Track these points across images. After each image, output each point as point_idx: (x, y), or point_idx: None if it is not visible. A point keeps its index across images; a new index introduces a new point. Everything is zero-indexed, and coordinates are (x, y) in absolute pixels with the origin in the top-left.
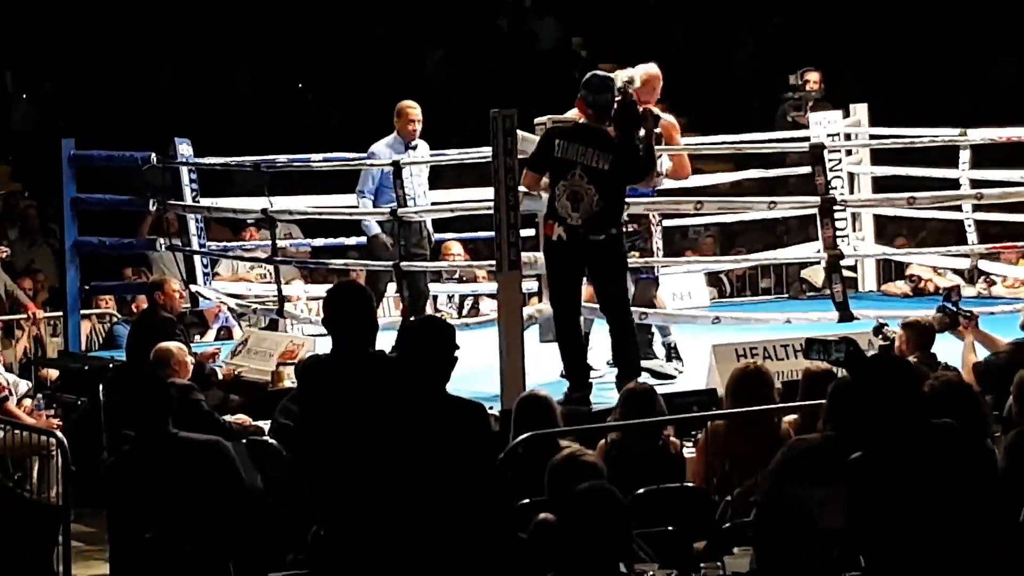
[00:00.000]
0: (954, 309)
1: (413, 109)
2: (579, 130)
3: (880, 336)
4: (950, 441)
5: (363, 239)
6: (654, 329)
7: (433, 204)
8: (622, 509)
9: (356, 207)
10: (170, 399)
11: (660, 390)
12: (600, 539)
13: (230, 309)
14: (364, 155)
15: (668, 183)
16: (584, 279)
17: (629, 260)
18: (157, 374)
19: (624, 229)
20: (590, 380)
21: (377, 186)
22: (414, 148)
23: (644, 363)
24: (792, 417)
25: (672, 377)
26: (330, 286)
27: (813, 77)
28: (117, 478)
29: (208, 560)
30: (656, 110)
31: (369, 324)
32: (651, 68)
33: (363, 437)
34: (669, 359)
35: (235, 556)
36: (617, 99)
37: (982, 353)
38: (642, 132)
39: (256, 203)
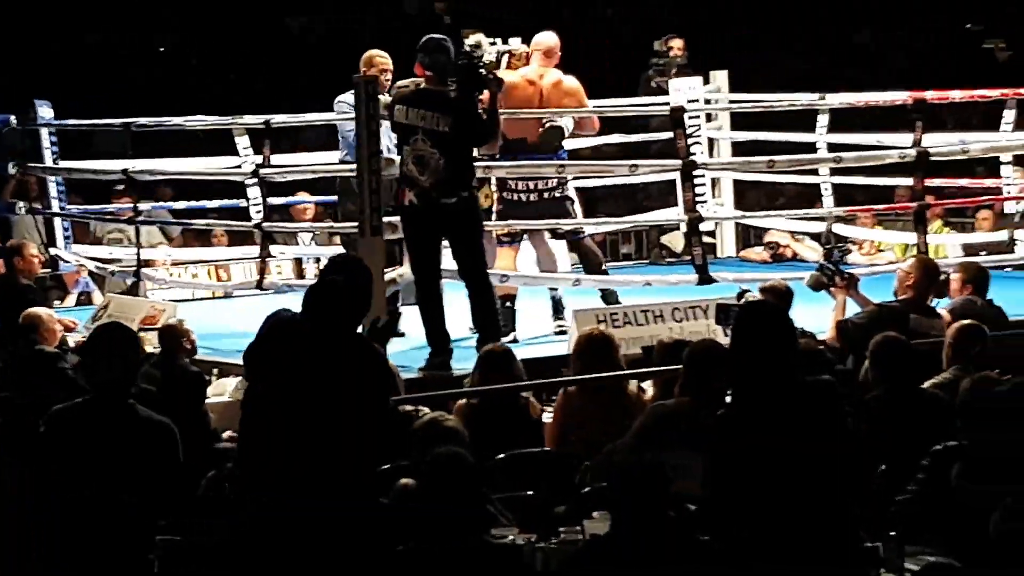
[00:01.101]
0: (833, 269)
1: (383, 59)
2: (420, 93)
3: (743, 302)
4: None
5: (227, 201)
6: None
7: (294, 167)
8: (474, 474)
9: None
10: (137, 369)
11: (524, 354)
12: (455, 504)
13: (90, 273)
14: (228, 117)
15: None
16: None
17: (486, 225)
18: (137, 341)
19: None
20: (451, 346)
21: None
22: None
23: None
24: (643, 383)
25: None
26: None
27: (677, 44)
28: (59, 427)
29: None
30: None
31: None
32: (545, 37)
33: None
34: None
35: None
36: (462, 62)
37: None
38: (486, 95)
39: (119, 165)
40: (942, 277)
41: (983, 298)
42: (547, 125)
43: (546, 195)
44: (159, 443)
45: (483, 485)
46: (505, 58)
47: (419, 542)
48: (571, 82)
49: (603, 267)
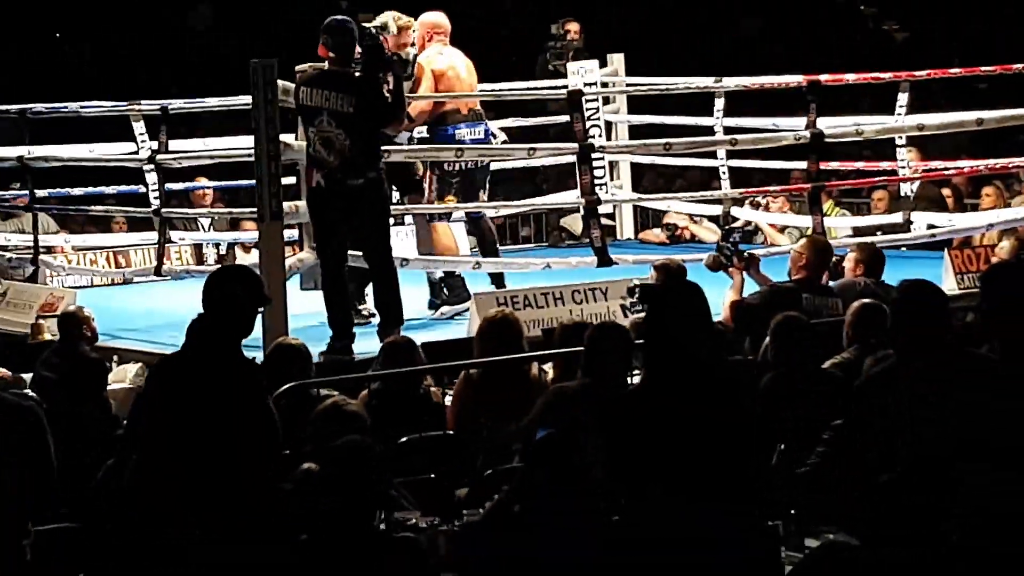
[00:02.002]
0: (732, 249)
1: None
2: (323, 75)
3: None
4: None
5: (125, 187)
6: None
7: (191, 152)
8: (376, 462)
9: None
10: None
11: (426, 338)
12: (355, 494)
13: None
14: (124, 103)
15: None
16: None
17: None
18: None
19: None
20: (353, 330)
21: None
22: None
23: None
24: (546, 365)
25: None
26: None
27: (573, 27)
28: None
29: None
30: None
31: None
32: (432, 16)
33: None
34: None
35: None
36: (367, 43)
37: None
38: (391, 77)
39: (14, 152)
40: (835, 258)
41: (877, 278)
42: None
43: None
44: (23, 428)
45: (386, 473)
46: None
47: (318, 532)
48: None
49: (497, 249)
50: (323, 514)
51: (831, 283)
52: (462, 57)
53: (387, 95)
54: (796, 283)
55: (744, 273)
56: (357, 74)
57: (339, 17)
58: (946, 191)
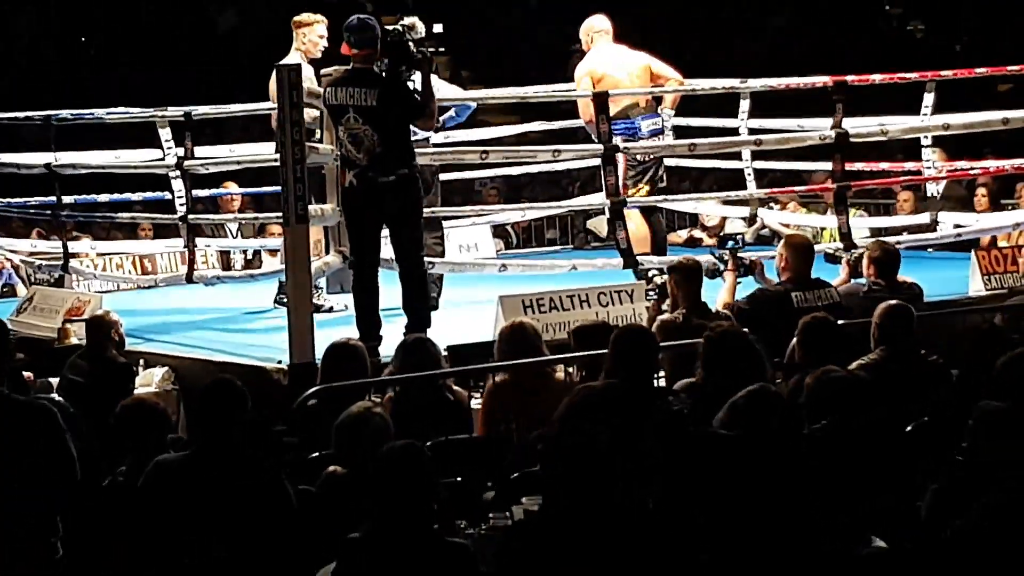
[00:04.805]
0: (729, 255)
1: None
2: (348, 73)
3: (652, 284)
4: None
5: (152, 194)
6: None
7: (217, 158)
8: (429, 466)
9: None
10: (9, 357)
11: (449, 341)
12: (410, 498)
13: (14, 266)
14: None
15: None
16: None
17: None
18: (4, 326)
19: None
20: (380, 333)
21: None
22: None
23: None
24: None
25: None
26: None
27: None
28: None
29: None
30: None
31: None
32: (591, 20)
33: None
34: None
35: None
36: (391, 39)
37: None
38: (417, 75)
39: (41, 159)
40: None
41: (890, 278)
42: None
43: None
44: (38, 428)
45: (436, 477)
46: None
47: (372, 534)
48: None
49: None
50: (378, 518)
51: (852, 280)
52: (626, 56)
53: (413, 91)
54: (785, 284)
55: (752, 277)
56: (381, 71)
57: (361, 16)
58: (981, 190)
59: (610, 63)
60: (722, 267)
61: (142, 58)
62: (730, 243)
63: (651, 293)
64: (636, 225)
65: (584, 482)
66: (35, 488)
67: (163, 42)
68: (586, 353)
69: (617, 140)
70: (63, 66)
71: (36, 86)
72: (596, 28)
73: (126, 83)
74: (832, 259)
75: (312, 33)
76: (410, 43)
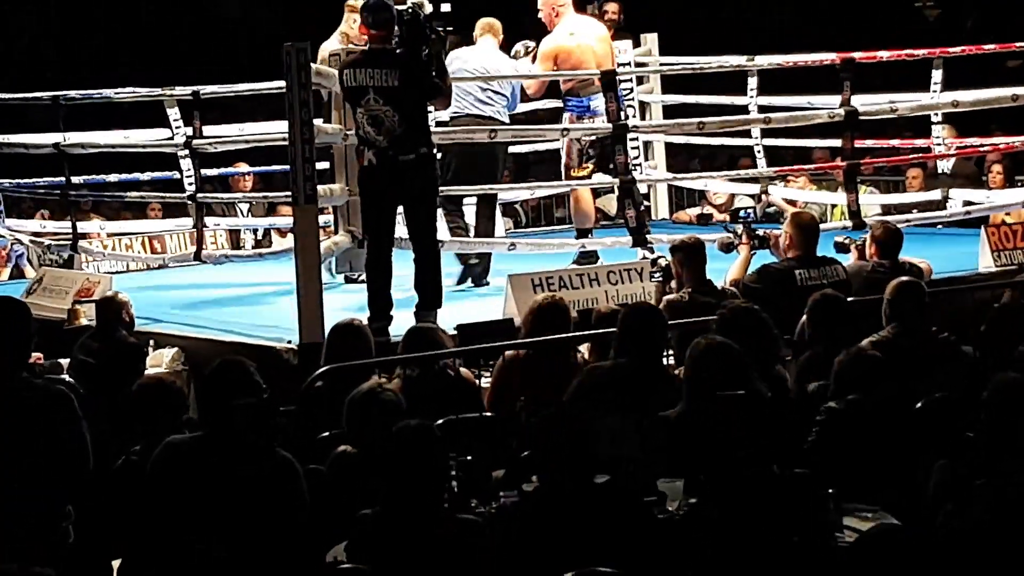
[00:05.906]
0: (741, 230)
1: None
2: (366, 54)
3: (656, 267)
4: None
5: (161, 174)
6: None
7: (226, 137)
8: (440, 445)
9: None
10: (31, 340)
11: (457, 320)
12: (422, 477)
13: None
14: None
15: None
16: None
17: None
18: (28, 310)
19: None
20: (391, 312)
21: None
22: None
23: None
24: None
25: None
26: None
27: (612, 7)
28: None
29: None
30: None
31: None
32: None
33: None
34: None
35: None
36: (406, 17)
37: None
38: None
39: (50, 139)
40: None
41: (893, 259)
42: None
43: None
44: (54, 412)
45: (448, 456)
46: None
47: (383, 515)
48: None
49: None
50: (390, 496)
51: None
52: (593, 28)
53: (432, 69)
54: (788, 261)
55: (768, 250)
56: (399, 51)
57: None
58: (996, 167)
59: (580, 35)
60: (736, 241)
61: (142, 58)
62: (743, 214)
63: (656, 275)
64: (585, 201)
65: (576, 466)
66: (47, 474)
67: (163, 42)
68: (598, 332)
69: (566, 117)
70: (63, 66)
71: (36, 86)
72: (560, 1)
73: (126, 83)
74: (842, 248)
75: None
76: (421, 17)
